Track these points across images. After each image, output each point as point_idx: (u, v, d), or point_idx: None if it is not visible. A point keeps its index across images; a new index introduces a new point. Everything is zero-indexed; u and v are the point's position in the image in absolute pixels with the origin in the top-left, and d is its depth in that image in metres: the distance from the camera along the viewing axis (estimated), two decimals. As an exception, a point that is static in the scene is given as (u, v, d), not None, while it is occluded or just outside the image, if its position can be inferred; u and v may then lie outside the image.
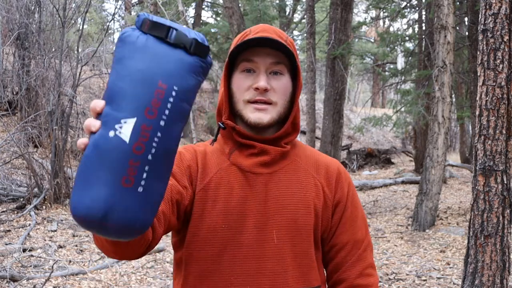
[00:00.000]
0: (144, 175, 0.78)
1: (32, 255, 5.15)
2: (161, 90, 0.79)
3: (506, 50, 3.29)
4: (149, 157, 0.78)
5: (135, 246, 0.98)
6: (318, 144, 12.94)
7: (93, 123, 0.79)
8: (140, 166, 0.78)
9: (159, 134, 0.79)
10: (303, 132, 14.30)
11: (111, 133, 0.77)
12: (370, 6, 14.74)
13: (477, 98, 3.42)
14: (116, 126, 0.77)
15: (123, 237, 0.81)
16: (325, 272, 1.31)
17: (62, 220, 6.63)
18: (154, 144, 0.79)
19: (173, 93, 0.80)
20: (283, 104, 1.21)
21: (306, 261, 1.20)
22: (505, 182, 3.33)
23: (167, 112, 0.80)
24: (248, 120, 1.19)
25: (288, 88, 1.22)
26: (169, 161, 0.82)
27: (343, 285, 1.25)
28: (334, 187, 1.27)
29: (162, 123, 0.79)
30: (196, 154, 1.23)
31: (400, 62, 15.40)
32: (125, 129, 0.77)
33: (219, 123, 1.23)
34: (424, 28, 12.24)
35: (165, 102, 0.80)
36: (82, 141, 0.80)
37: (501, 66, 3.30)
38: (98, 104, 0.80)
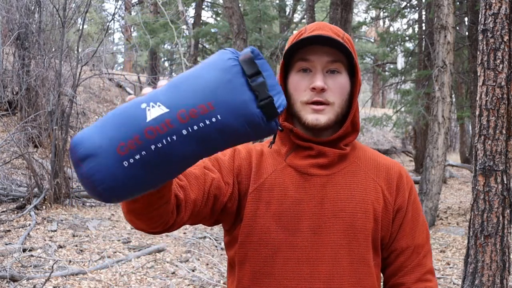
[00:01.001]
0: (137, 156, 0.80)
1: (32, 255, 5.15)
2: (206, 109, 0.80)
3: (506, 50, 3.29)
4: (152, 147, 0.80)
5: (152, 214, 1.00)
6: (318, 144, 12.91)
7: (145, 91, 0.86)
8: (140, 146, 0.80)
9: (174, 137, 0.80)
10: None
11: (143, 105, 0.81)
12: (370, 6, 14.74)
13: (477, 98, 3.42)
14: (151, 103, 0.81)
15: (86, 188, 0.84)
16: (382, 277, 1.27)
17: (62, 220, 6.63)
18: (163, 141, 0.80)
19: (213, 119, 0.81)
20: (340, 103, 1.18)
21: (363, 266, 1.17)
22: (505, 182, 3.32)
23: (195, 127, 0.80)
24: (306, 121, 1.16)
25: (346, 87, 1.19)
26: (164, 168, 0.82)
27: None
28: (396, 191, 1.22)
29: (184, 132, 0.80)
30: (252, 153, 1.22)
31: (400, 62, 15.40)
32: (154, 111, 0.80)
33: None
34: (424, 28, 12.24)
35: (201, 119, 0.81)
36: (130, 96, 0.86)
37: (501, 66, 3.30)
38: (162, 82, 0.86)
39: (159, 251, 5.67)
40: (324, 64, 1.16)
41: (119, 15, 18.55)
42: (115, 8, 18.37)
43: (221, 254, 5.66)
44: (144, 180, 0.82)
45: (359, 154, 1.24)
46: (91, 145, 0.81)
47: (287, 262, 1.14)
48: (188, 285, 4.70)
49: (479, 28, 3.40)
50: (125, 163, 0.80)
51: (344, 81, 1.18)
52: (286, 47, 1.18)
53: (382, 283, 1.28)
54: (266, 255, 1.16)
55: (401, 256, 1.22)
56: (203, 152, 0.83)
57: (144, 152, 0.80)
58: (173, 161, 0.81)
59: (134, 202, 0.96)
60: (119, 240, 5.98)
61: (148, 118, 0.80)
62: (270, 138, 1.19)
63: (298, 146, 1.20)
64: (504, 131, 3.30)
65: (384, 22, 21.56)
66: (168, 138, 0.80)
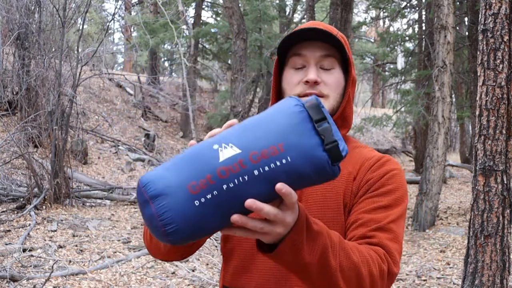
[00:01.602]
0: (209, 196, 0.81)
1: (32, 255, 5.15)
2: (277, 150, 0.83)
3: (506, 50, 3.29)
4: (224, 186, 0.81)
5: (192, 249, 1.16)
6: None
7: (214, 132, 0.89)
8: (212, 185, 0.81)
9: (245, 177, 0.82)
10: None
11: (215, 146, 0.84)
12: (370, 6, 14.75)
13: (477, 98, 3.42)
14: (223, 144, 0.84)
15: (152, 229, 0.84)
16: None
17: (62, 220, 6.63)
18: (235, 181, 0.81)
19: (283, 161, 0.83)
20: (336, 97, 1.18)
21: None
22: (505, 182, 3.33)
23: (266, 168, 0.82)
24: None
25: (340, 82, 1.19)
26: (234, 206, 0.83)
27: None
28: (366, 171, 1.16)
29: (256, 172, 0.82)
30: None
31: (400, 62, 15.40)
32: (227, 151, 0.83)
33: None
34: (424, 28, 12.24)
35: (272, 160, 0.83)
36: (192, 142, 0.90)
37: (501, 66, 3.30)
38: (234, 121, 0.90)
39: (159, 251, 5.66)
40: (318, 58, 1.16)
41: (119, 15, 18.55)
42: (115, 8, 18.38)
43: (221, 254, 5.66)
44: (212, 221, 0.83)
45: (349, 147, 1.20)
46: (162, 184, 0.82)
47: (263, 265, 1.15)
48: (188, 285, 4.70)
49: (479, 28, 3.40)
50: (196, 202, 0.81)
51: (338, 76, 1.19)
52: (280, 43, 1.19)
53: None
54: (247, 251, 1.17)
55: (348, 230, 1.12)
56: (268, 194, 0.84)
57: (216, 191, 0.81)
58: (242, 202, 0.83)
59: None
60: (119, 240, 5.98)
61: (221, 159, 0.82)
62: None
63: None
64: (504, 131, 3.30)
65: (384, 22, 21.57)
66: (240, 178, 0.82)
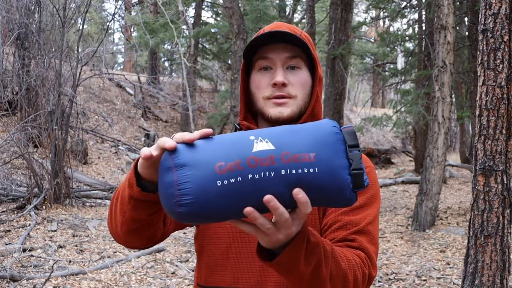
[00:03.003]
0: (232, 180, 0.82)
1: (32, 255, 5.15)
2: (308, 159, 0.85)
3: (506, 50, 3.29)
4: (249, 175, 0.83)
5: (151, 231, 1.09)
6: (318, 144, 12.93)
7: (180, 135, 0.88)
8: (239, 171, 0.82)
9: (272, 174, 0.83)
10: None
11: (252, 137, 0.86)
12: (370, 6, 14.74)
13: (477, 98, 3.42)
14: (259, 138, 0.86)
15: (166, 198, 0.84)
16: None
17: (62, 220, 6.63)
18: (262, 174, 0.83)
19: (310, 170, 0.85)
20: (303, 97, 1.20)
21: None
22: (505, 182, 3.33)
23: (293, 171, 0.84)
24: (269, 115, 1.18)
25: (307, 82, 1.21)
26: (251, 198, 0.84)
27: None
28: None
29: (282, 172, 0.83)
30: None
31: (400, 62, 15.40)
32: (261, 145, 0.85)
33: (236, 124, 1.24)
34: (424, 28, 12.24)
35: (301, 166, 0.84)
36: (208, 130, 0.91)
37: (501, 66, 3.30)
38: (209, 130, 0.90)
39: (159, 251, 5.67)
40: (284, 60, 1.18)
41: (119, 15, 18.55)
42: (115, 8, 18.38)
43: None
44: (226, 206, 0.84)
45: None
46: (190, 156, 0.84)
47: (240, 255, 1.16)
48: (188, 285, 4.70)
49: (479, 28, 3.40)
50: (219, 183, 0.82)
51: (304, 76, 1.20)
52: (245, 48, 1.20)
53: None
54: (220, 248, 1.18)
55: (327, 231, 1.14)
56: (285, 198, 0.85)
57: (240, 178, 0.82)
58: (260, 196, 0.84)
59: (139, 221, 1.04)
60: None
61: (254, 149, 0.84)
62: None
63: None
64: (504, 131, 3.30)
65: (384, 22, 21.57)
66: (267, 173, 0.83)
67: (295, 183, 0.84)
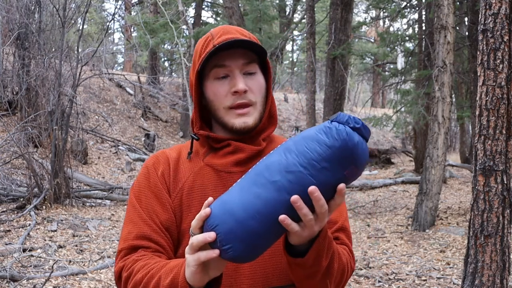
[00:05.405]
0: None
1: (32, 255, 5.15)
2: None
3: (506, 50, 3.29)
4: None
5: None
6: (318, 144, 12.92)
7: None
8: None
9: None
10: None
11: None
12: (370, 6, 14.75)
13: (477, 98, 3.42)
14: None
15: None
16: None
17: (62, 220, 6.63)
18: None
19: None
20: (262, 101, 1.20)
21: (284, 257, 1.17)
22: (505, 182, 3.32)
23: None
24: (233, 126, 1.17)
25: (263, 85, 1.21)
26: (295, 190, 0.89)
27: None
28: None
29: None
30: (168, 162, 1.22)
31: (400, 62, 15.40)
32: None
33: (192, 134, 1.22)
34: (424, 28, 12.24)
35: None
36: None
37: (501, 66, 3.30)
38: (209, 199, 0.97)
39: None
40: (241, 66, 1.17)
41: (119, 15, 18.55)
42: (115, 8, 18.38)
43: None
44: (256, 224, 0.90)
45: (275, 147, 1.23)
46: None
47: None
48: (188, 285, 4.69)
49: (479, 28, 3.40)
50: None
51: (261, 79, 1.21)
52: (198, 57, 1.19)
53: None
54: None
55: None
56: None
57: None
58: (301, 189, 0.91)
59: None
60: (119, 240, 5.98)
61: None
62: (189, 143, 1.24)
63: (217, 148, 1.21)
64: (504, 131, 3.30)
65: (384, 22, 21.57)
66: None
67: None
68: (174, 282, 0.98)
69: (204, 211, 0.91)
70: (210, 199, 0.94)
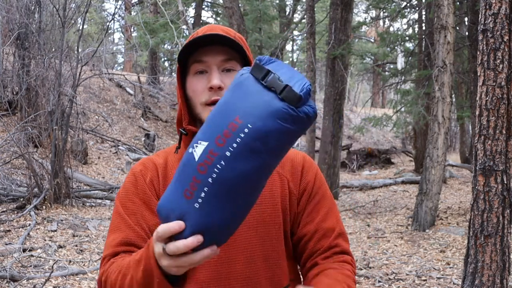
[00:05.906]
0: (202, 194, 0.84)
1: (32, 255, 5.15)
2: (235, 124, 0.85)
3: (506, 50, 3.29)
4: (210, 179, 0.84)
5: None
6: (318, 144, 12.94)
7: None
8: (200, 185, 0.84)
9: (222, 163, 0.84)
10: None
11: (190, 150, 0.88)
12: (370, 6, 14.75)
13: (477, 98, 3.42)
14: (194, 145, 0.88)
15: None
16: (298, 266, 1.28)
17: (62, 220, 6.63)
18: (216, 170, 0.84)
19: (245, 130, 0.84)
20: None
21: (276, 261, 1.18)
22: (505, 182, 3.33)
23: (234, 145, 0.84)
24: None
25: None
26: (228, 194, 0.85)
27: (316, 269, 1.19)
28: (300, 178, 1.24)
29: (227, 153, 0.84)
30: (156, 169, 1.21)
31: (400, 62, 15.40)
32: (198, 149, 0.87)
33: (181, 129, 1.21)
34: (424, 28, 12.24)
35: (235, 136, 0.84)
36: None
37: (501, 66, 3.30)
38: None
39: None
40: (219, 63, 1.17)
41: (119, 15, 18.56)
42: (115, 8, 18.38)
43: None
44: (217, 215, 0.85)
45: None
46: (165, 203, 0.89)
47: (207, 264, 1.15)
48: (188, 285, 4.70)
49: (479, 28, 3.40)
50: (196, 205, 0.84)
51: None
52: (180, 51, 1.19)
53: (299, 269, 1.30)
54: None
55: (311, 241, 1.21)
56: (264, 164, 0.86)
57: (206, 188, 0.84)
58: (237, 184, 0.84)
59: None
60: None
61: (196, 158, 0.86)
62: (175, 145, 1.24)
63: None
64: (504, 131, 3.30)
65: (384, 22, 21.57)
66: (218, 165, 0.84)
67: (246, 151, 0.84)
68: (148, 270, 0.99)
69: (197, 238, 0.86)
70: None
